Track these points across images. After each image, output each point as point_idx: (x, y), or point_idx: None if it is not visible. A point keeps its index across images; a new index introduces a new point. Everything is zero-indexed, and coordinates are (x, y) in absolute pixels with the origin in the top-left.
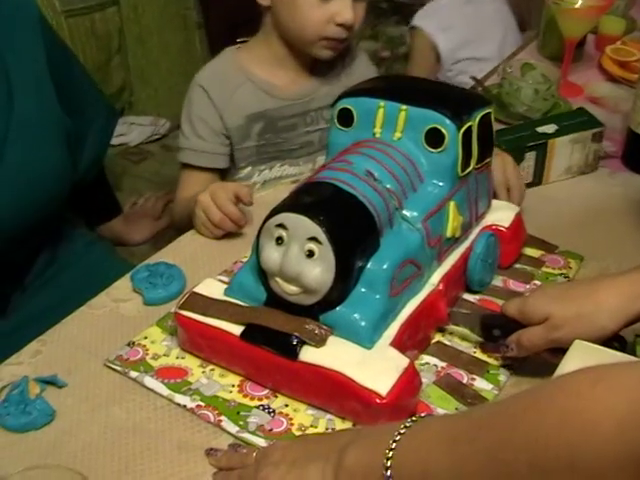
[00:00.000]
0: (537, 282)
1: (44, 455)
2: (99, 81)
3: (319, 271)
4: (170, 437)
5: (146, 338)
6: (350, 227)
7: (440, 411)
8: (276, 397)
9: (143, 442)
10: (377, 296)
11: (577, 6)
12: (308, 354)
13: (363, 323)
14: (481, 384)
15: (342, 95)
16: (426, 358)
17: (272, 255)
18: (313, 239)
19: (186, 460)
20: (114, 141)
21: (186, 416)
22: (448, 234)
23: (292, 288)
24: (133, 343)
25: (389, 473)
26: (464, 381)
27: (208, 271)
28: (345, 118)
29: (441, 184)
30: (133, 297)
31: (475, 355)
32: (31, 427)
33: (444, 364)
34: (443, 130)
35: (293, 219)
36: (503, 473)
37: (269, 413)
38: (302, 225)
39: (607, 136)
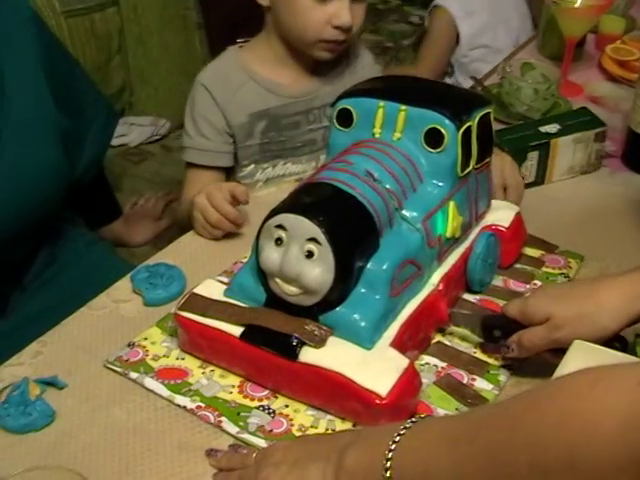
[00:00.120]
0: (537, 282)
1: (44, 456)
2: (99, 81)
3: (319, 272)
4: (170, 438)
5: (146, 339)
6: (350, 227)
7: (440, 411)
8: (276, 398)
9: (143, 443)
10: (377, 296)
11: (577, 5)
12: (308, 355)
13: (363, 324)
14: (481, 384)
15: (341, 95)
16: (426, 358)
17: (272, 256)
18: (312, 240)
19: (186, 461)
20: (114, 142)
21: (186, 417)
22: (448, 234)
23: (292, 289)
24: (133, 344)
25: (388, 474)
26: (464, 381)
27: (208, 272)
28: (345, 118)
29: (441, 184)
30: (133, 298)
31: (475, 355)
32: (31, 428)
33: (444, 364)
34: (442, 130)
35: (292, 220)
36: (503, 474)
37: (269, 414)
38: (301, 226)
39: (607, 136)
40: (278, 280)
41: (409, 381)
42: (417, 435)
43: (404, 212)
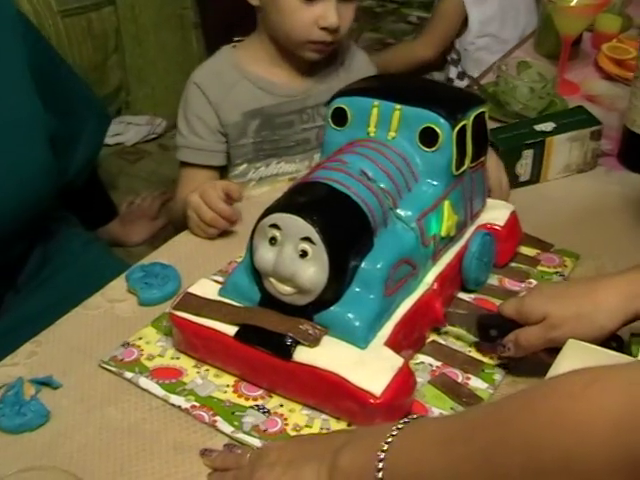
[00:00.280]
0: (533, 281)
1: (39, 456)
2: (96, 81)
3: (313, 271)
4: (165, 438)
5: (141, 339)
6: (344, 227)
7: (435, 410)
8: (271, 397)
9: (138, 443)
10: (371, 296)
11: (573, 4)
12: (302, 354)
13: (357, 323)
14: (476, 383)
15: (336, 94)
16: (421, 357)
17: (266, 255)
18: (307, 239)
19: (182, 461)
20: (110, 141)
21: (181, 416)
22: (443, 233)
23: (286, 288)
24: (128, 344)
25: (381, 475)
26: (459, 380)
27: (203, 271)
28: (339, 117)
29: (435, 183)
30: (128, 297)
31: (470, 354)
32: (26, 428)
33: (439, 363)
34: (437, 129)
35: (286, 219)
36: (497, 474)
37: (264, 413)
38: (295, 225)
39: (603, 134)
40: (272, 279)
41: (404, 380)
42: (410, 435)
43: (399, 211)
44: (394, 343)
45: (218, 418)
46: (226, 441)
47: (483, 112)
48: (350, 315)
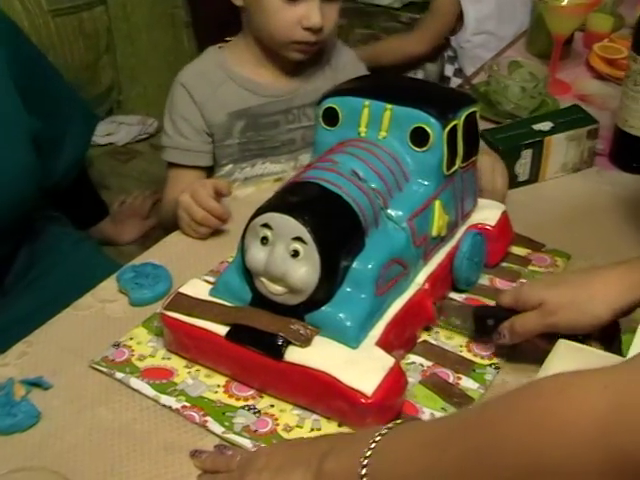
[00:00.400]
0: (524, 280)
1: (29, 457)
2: (87, 80)
3: (304, 271)
4: (156, 438)
5: (132, 339)
6: (335, 227)
7: (426, 410)
8: (262, 397)
9: (129, 443)
10: (363, 296)
11: (564, 3)
12: (294, 354)
13: (349, 323)
14: (467, 383)
15: (327, 94)
16: (412, 357)
17: (257, 255)
18: (298, 239)
19: (172, 461)
20: (102, 141)
21: (172, 417)
22: (434, 233)
23: (277, 288)
24: (119, 344)
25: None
26: (450, 380)
27: (194, 271)
28: (330, 117)
29: (426, 183)
30: (119, 298)
31: (461, 354)
32: (16, 429)
33: (430, 363)
34: (428, 129)
35: (278, 219)
36: (481, 476)
37: (255, 413)
38: (287, 225)
39: None
40: (264, 279)
41: (395, 380)
42: (393, 440)
43: (390, 211)
44: (385, 343)
45: (209, 418)
46: (217, 442)
47: (474, 112)
48: (341, 315)
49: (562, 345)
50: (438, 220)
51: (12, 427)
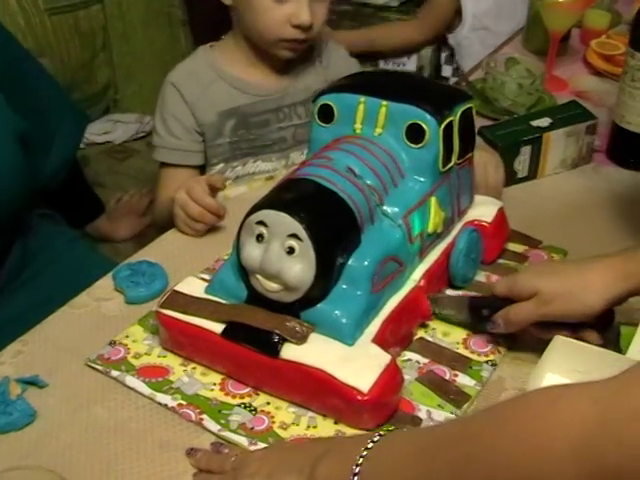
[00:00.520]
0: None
1: (25, 456)
2: (84, 79)
3: (300, 268)
4: (152, 436)
5: (127, 337)
6: (331, 224)
7: (423, 408)
8: (258, 395)
9: (124, 442)
10: (358, 293)
11: (561, 0)
12: (289, 352)
13: (344, 320)
14: (464, 380)
15: (322, 91)
16: (408, 354)
17: (253, 252)
18: (293, 236)
19: (167, 459)
20: (99, 139)
21: (167, 415)
22: (430, 230)
23: (273, 285)
24: (114, 342)
25: None
26: (447, 377)
27: (190, 269)
28: (326, 114)
29: (422, 180)
30: (115, 296)
31: (458, 351)
32: (12, 428)
33: (427, 360)
34: (424, 125)
35: (273, 216)
36: None
37: (251, 411)
38: (282, 222)
39: None
40: (259, 277)
41: (391, 377)
42: (384, 449)
43: (385, 208)
44: (381, 340)
45: (204, 416)
46: (212, 440)
47: (470, 108)
48: (337, 312)
49: (559, 341)
50: (434, 217)
51: (7, 426)
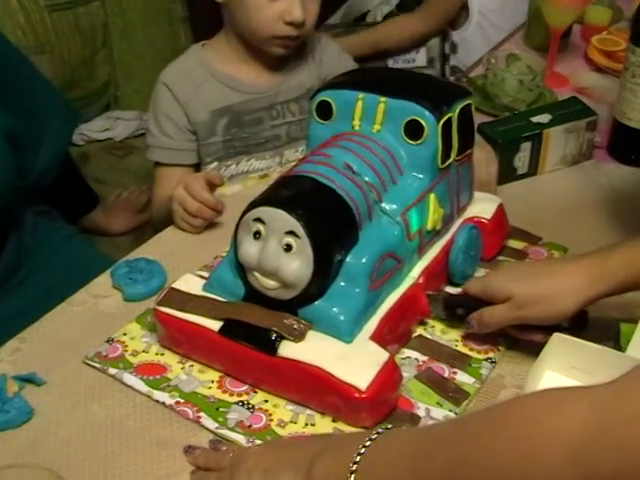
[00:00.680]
0: None
1: (22, 453)
2: (84, 76)
3: (297, 265)
4: (149, 434)
5: (125, 334)
6: (328, 221)
7: (421, 406)
8: (256, 393)
9: (122, 439)
10: (356, 290)
11: None
12: (287, 349)
13: (342, 317)
14: (463, 378)
15: (321, 88)
16: (407, 352)
17: (250, 249)
18: (291, 233)
19: (165, 457)
20: (100, 136)
21: (165, 413)
22: (429, 227)
23: (270, 282)
24: (112, 340)
25: None
26: (445, 375)
27: (189, 266)
28: (324, 111)
29: (421, 176)
30: (113, 293)
31: (457, 348)
32: (9, 425)
33: (425, 358)
34: (422, 122)
35: (270, 213)
36: None
37: (248, 409)
38: (280, 219)
39: None
40: (257, 274)
41: (389, 375)
42: (381, 448)
43: (384, 205)
44: (380, 337)
45: (202, 414)
46: (210, 437)
47: (469, 104)
48: (335, 309)
49: (556, 338)
50: (433, 214)
51: (5, 423)
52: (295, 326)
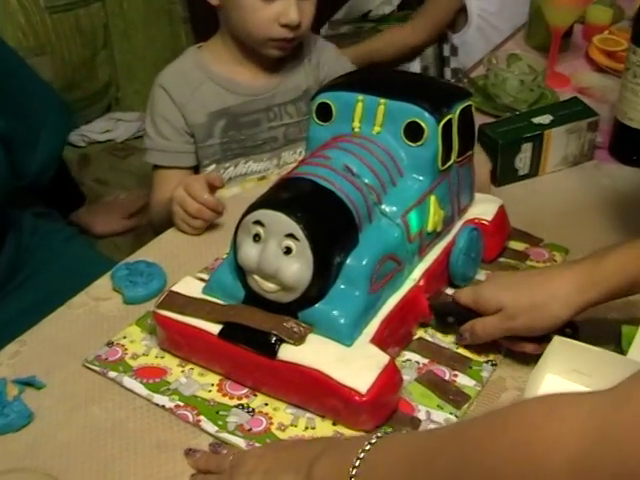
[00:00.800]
0: None
1: (22, 457)
2: (85, 77)
3: (297, 268)
4: (149, 437)
5: (125, 337)
6: (328, 223)
7: (422, 408)
8: (255, 396)
9: (122, 442)
10: (357, 292)
11: None
12: (287, 352)
13: (342, 320)
14: (463, 380)
15: (320, 89)
16: (408, 355)
17: (249, 252)
18: (290, 235)
19: (165, 460)
20: (101, 137)
21: (165, 415)
22: (429, 228)
23: (270, 285)
24: (112, 343)
25: None
26: (446, 377)
27: (189, 269)
28: (324, 112)
29: (421, 178)
30: (113, 296)
31: (457, 351)
32: (9, 429)
33: (426, 360)
34: (422, 123)
35: (270, 216)
36: None
37: (248, 412)
38: (279, 221)
39: None
40: (256, 277)
41: (389, 378)
42: (382, 451)
43: (384, 207)
44: (380, 340)
45: (202, 418)
46: (210, 440)
47: (470, 106)
48: (335, 312)
49: (557, 341)
50: (433, 215)
51: (4, 427)
52: (295, 329)
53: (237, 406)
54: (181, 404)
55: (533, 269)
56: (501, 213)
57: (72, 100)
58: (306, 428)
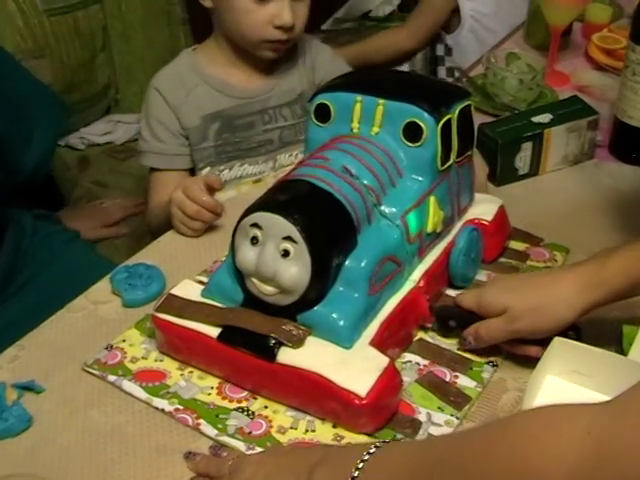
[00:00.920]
0: None
1: (20, 462)
2: (84, 79)
3: (295, 270)
4: (148, 441)
5: (124, 341)
6: (326, 225)
7: (423, 410)
8: (255, 399)
9: (121, 446)
10: (356, 295)
11: None
12: (286, 355)
13: (342, 323)
14: (464, 381)
15: (319, 90)
16: (408, 356)
17: (247, 255)
18: (288, 238)
19: (164, 464)
20: (100, 139)
21: (164, 419)
22: (429, 229)
23: (268, 288)
24: (111, 346)
25: None
26: (447, 379)
27: (188, 271)
28: (322, 113)
29: (421, 179)
30: (112, 299)
31: (458, 352)
32: (8, 434)
33: (426, 362)
34: (421, 124)
35: (267, 218)
36: None
37: (248, 415)
38: (276, 224)
39: None
40: (255, 280)
41: (389, 380)
42: (381, 461)
43: (383, 208)
44: (380, 342)
45: (202, 421)
46: (210, 444)
47: (469, 106)
48: (334, 315)
49: (557, 342)
50: (433, 216)
51: (4, 432)
52: (294, 332)
53: (237, 409)
54: (180, 407)
55: (535, 271)
56: (501, 213)
57: (71, 102)
58: (306, 431)
